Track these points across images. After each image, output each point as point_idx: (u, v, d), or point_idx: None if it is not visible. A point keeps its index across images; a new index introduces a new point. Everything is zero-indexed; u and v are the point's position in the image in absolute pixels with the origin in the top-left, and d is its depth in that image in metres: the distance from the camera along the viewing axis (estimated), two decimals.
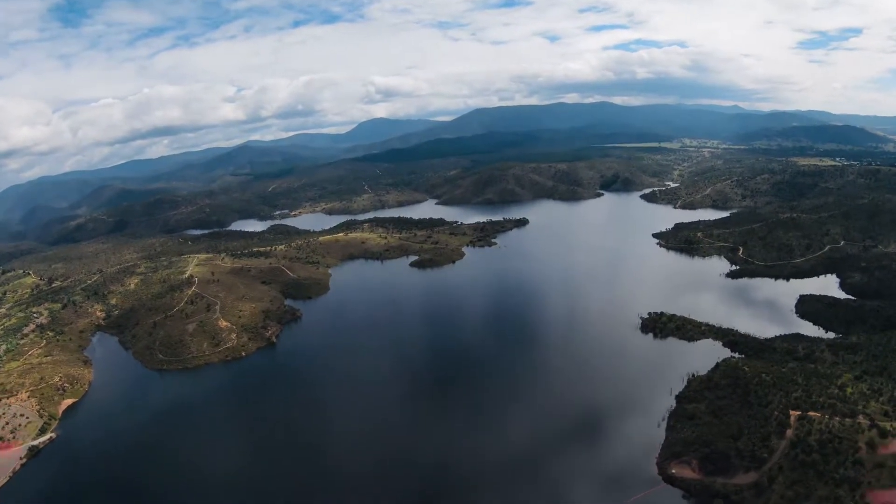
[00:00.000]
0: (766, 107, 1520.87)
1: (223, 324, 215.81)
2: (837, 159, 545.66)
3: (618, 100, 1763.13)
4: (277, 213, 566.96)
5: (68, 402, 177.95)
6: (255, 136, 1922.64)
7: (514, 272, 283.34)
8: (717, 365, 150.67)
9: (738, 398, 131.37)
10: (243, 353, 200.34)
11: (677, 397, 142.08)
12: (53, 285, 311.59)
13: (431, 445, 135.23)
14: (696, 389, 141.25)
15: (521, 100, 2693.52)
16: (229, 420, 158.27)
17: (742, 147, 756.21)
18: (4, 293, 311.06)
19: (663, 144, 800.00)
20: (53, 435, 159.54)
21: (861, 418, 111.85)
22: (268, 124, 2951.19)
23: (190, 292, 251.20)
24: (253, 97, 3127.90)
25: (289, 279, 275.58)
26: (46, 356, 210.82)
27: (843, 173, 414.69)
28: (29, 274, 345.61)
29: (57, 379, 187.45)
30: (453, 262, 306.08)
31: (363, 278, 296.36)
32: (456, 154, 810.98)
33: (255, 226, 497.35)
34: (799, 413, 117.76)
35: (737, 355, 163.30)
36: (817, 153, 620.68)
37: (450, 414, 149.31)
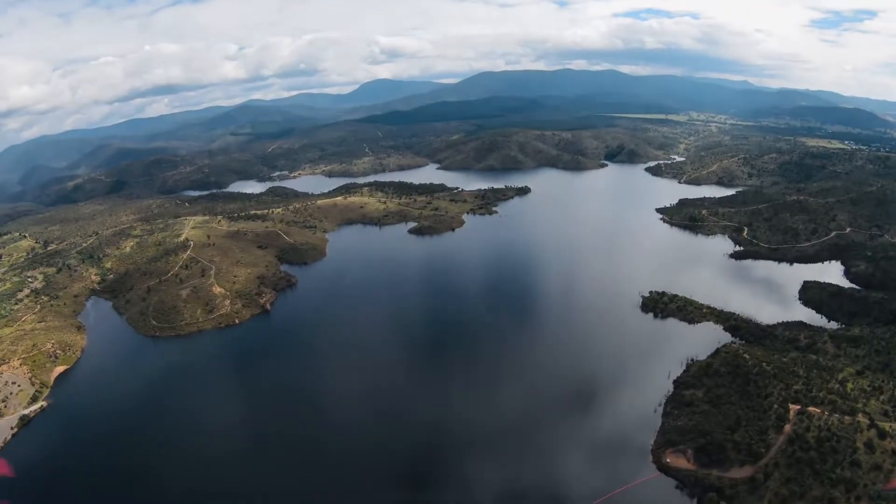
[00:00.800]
0: (775, 84, 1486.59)
1: (217, 290, 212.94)
2: (846, 143, 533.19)
3: (625, 69, 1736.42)
4: (276, 174, 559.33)
5: (60, 369, 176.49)
6: (257, 95, 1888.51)
7: (514, 242, 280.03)
8: (718, 350, 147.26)
9: (737, 387, 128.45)
10: (237, 321, 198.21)
11: (675, 382, 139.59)
12: (49, 248, 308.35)
13: (422, 420, 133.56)
14: (695, 375, 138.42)
15: (527, 64, 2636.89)
16: (220, 389, 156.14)
17: (750, 123, 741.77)
18: (0, 257, 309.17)
19: (670, 117, 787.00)
20: (45, 403, 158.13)
21: (861, 417, 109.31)
22: (269, 83, 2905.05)
23: (185, 256, 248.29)
24: (255, 56, 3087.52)
25: (285, 244, 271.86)
26: (40, 322, 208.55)
27: (851, 158, 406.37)
28: (25, 237, 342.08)
29: (49, 345, 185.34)
30: (453, 229, 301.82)
31: (360, 244, 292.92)
32: (459, 118, 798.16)
33: (253, 187, 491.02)
34: (799, 407, 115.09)
35: (738, 341, 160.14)
36: (826, 135, 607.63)
37: (442, 387, 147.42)
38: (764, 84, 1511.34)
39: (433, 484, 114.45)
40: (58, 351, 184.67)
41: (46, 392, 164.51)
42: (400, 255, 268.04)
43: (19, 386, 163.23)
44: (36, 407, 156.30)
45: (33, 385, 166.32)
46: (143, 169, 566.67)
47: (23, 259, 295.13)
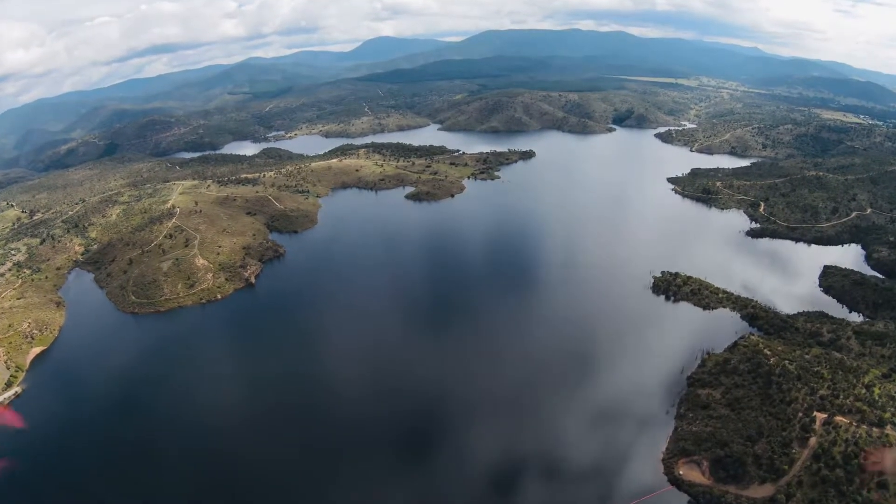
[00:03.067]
0: (786, 52, 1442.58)
1: (200, 262, 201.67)
2: (862, 116, 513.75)
3: (635, 30, 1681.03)
4: (272, 134, 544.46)
5: (36, 350, 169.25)
6: (257, 53, 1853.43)
7: (516, 212, 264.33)
8: (736, 344, 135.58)
9: (758, 389, 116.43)
10: (219, 296, 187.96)
11: (690, 379, 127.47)
12: (35, 218, 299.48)
13: (412, 417, 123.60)
14: (712, 372, 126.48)
15: (533, 24, 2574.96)
16: (198, 372, 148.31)
17: (762, 91, 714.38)
18: None
19: (680, 81, 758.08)
20: (19, 389, 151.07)
21: (889, 429, 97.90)
22: (270, 41, 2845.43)
23: (170, 224, 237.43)
24: (254, 13, 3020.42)
25: (275, 210, 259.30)
26: (19, 298, 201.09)
27: (869, 133, 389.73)
28: (12, 206, 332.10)
29: (26, 325, 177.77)
30: (452, 195, 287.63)
31: (354, 211, 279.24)
32: (462, 77, 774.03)
33: (248, 148, 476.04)
34: (825, 417, 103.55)
35: (756, 332, 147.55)
36: (839, 107, 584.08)
37: (437, 379, 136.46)
38: (775, 52, 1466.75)
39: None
40: (34, 331, 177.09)
41: (21, 376, 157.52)
42: (395, 223, 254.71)
43: None
44: (10, 393, 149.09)
45: (8, 369, 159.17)
46: (137, 131, 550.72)
47: (8, 230, 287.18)
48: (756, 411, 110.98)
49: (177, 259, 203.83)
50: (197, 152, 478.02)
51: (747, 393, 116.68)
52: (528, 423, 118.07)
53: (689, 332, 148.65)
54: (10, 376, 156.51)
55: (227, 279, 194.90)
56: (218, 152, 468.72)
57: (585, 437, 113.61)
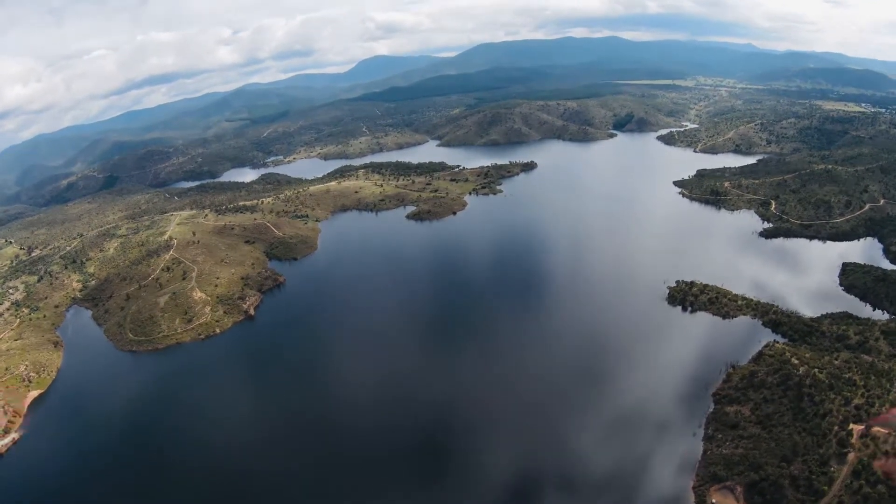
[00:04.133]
0: (780, 46, 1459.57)
1: (198, 295, 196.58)
2: (863, 105, 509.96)
3: (627, 35, 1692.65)
4: (271, 160, 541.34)
5: (34, 393, 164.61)
6: (254, 79, 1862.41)
7: (521, 227, 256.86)
8: (761, 354, 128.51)
9: (789, 403, 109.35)
10: (217, 330, 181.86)
11: (716, 396, 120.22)
12: (33, 255, 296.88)
13: (427, 435, 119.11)
14: (738, 387, 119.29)
15: (527, 34, 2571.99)
16: (198, 413, 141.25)
17: (760, 87, 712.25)
18: None
19: (677, 82, 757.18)
20: (16, 435, 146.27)
21: None
22: (266, 66, 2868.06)
23: (167, 257, 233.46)
24: (249, 39, 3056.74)
25: (274, 238, 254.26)
26: (16, 340, 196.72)
27: (874, 122, 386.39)
28: (10, 243, 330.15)
29: (23, 368, 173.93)
30: (454, 213, 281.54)
31: (354, 234, 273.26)
32: (459, 91, 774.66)
33: (246, 175, 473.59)
34: (862, 428, 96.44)
35: (780, 339, 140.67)
36: (839, 97, 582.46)
37: (448, 404, 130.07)
38: (769, 47, 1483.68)
39: None
40: (31, 374, 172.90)
41: (19, 422, 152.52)
42: (397, 245, 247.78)
43: None
44: (7, 440, 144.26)
45: (6, 414, 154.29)
46: (136, 162, 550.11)
47: (6, 268, 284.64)
48: (789, 428, 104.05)
49: (174, 293, 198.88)
50: (196, 181, 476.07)
51: (778, 408, 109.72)
52: (547, 449, 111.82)
53: (710, 345, 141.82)
54: (8, 422, 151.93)
55: (225, 312, 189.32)
56: (216, 180, 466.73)
57: (608, 462, 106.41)
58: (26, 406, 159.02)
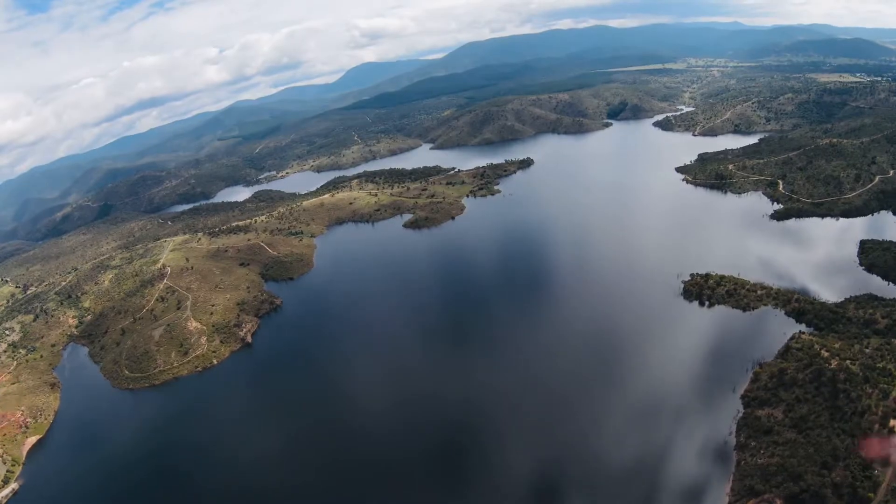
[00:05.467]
0: (767, 22, 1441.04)
1: (193, 325, 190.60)
2: (859, 75, 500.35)
3: (613, 23, 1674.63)
4: (264, 176, 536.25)
5: (32, 440, 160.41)
6: (245, 96, 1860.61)
7: (523, 227, 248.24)
8: (788, 348, 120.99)
9: (823, 401, 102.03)
10: (214, 361, 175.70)
11: (745, 398, 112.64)
12: (29, 292, 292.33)
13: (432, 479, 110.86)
14: (768, 387, 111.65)
15: (512, 30, 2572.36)
16: (200, 451, 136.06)
17: (752, 64, 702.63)
18: None
19: (667, 66, 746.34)
20: (16, 486, 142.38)
21: None
22: (255, 82, 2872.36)
23: (161, 286, 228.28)
24: (236, 56, 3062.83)
25: (268, 258, 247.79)
26: (13, 383, 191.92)
27: (872, 91, 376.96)
28: (6, 282, 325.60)
29: (19, 414, 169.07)
30: (453, 217, 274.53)
31: (351, 247, 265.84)
32: (449, 93, 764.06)
33: (240, 193, 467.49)
34: None
35: (805, 328, 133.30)
36: (832, 68, 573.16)
37: (459, 423, 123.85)
38: (756, 23, 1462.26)
39: None
40: (28, 419, 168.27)
41: (19, 470, 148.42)
42: (395, 256, 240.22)
43: None
44: (7, 491, 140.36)
45: (4, 464, 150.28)
46: (129, 189, 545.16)
47: (2, 308, 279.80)
48: (826, 429, 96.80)
49: (169, 325, 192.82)
50: (190, 203, 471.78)
51: (813, 408, 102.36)
52: (569, 463, 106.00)
53: (732, 341, 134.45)
54: (7, 472, 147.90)
55: (222, 341, 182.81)
56: (210, 201, 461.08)
57: (634, 475, 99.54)
58: (25, 454, 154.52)
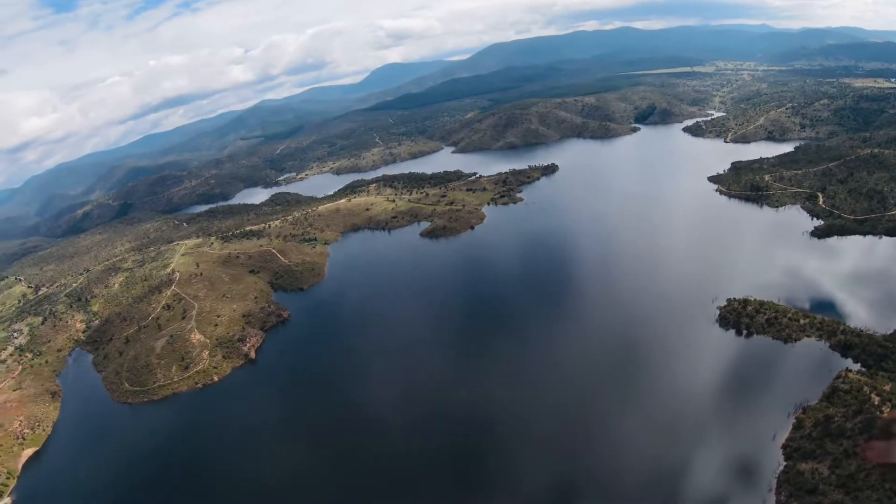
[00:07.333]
0: (795, 24, 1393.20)
1: (196, 338, 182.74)
2: (894, 80, 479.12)
3: (639, 24, 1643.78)
4: (283, 177, 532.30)
5: (29, 451, 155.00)
6: (270, 96, 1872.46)
7: (545, 238, 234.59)
8: (835, 389, 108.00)
9: None
10: (215, 378, 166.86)
11: (786, 449, 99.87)
12: (40, 293, 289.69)
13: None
14: (812, 436, 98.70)
15: (537, 31, 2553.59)
16: (193, 475, 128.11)
17: (783, 68, 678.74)
18: None
19: (696, 69, 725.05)
20: (9, 500, 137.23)
21: None
22: (280, 82, 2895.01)
23: (169, 293, 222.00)
24: (261, 56, 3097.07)
25: (279, 266, 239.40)
26: (15, 389, 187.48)
27: None
28: (20, 281, 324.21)
29: (17, 424, 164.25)
30: (472, 227, 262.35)
31: (364, 257, 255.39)
32: (473, 95, 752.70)
33: (258, 195, 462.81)
34: None
35: (852, 366, 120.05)
36: (866, 73, 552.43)
37: (477, 458, 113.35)
38: (784, 26, 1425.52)
39: None
40: (25, 430, 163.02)
41: (13, 484, 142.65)
42: (409, 267, 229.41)
43: None
44: None
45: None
46: (148, 188, 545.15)
47: (13, 308, 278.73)
48: (878, 491, 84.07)
49: (171, 336, 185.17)
50: (208, 204, 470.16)
51: (862, 464, 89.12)
52: None
53: (773, 378, 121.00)
54: (1, 485, 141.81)
55: (224, 356, 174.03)
56: (227, 203, 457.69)
57: None
58: (21, 466, 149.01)
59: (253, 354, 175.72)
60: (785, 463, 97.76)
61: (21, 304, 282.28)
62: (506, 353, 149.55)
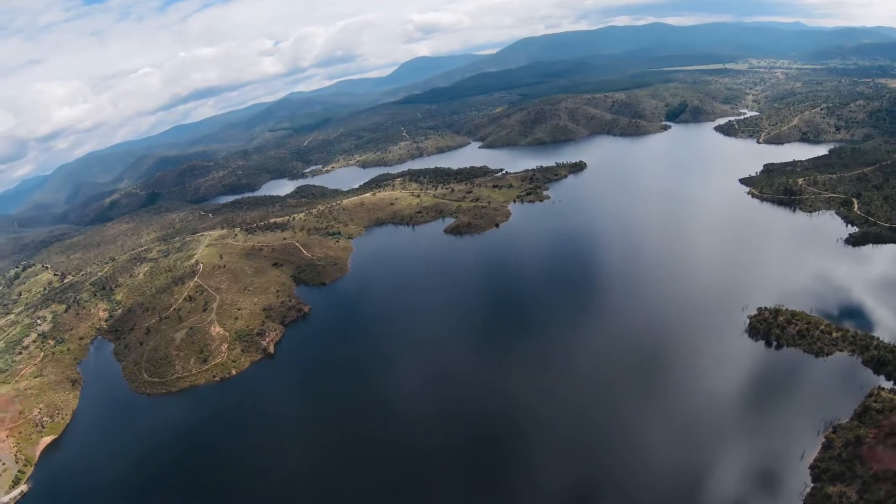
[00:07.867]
0: (829, 23, 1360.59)
1: (216, 330, 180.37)
2: None
3: (671, 20, 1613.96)
4: (309, 169, 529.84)
5: (47, 439, 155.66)
6: (299, 88, 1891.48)
7: (571, 238, 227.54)
8: (866, 407, 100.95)
9: None
10: (233, 371, 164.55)
11: (814, 470, 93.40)
12: (65, 281, 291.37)
13: None
14: (842, 457, 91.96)
15: (568, 26, 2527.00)
16: (207, 467, 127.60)
17: (817, 66, 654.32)
18: (20, 294, 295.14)
19: (728, 66, 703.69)
20: (25, 488, 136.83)
21: None
22: (309, 74, 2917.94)
23: (191, 284, 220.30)
24: (291, 48, 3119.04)
25: (302, 260, 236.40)
26: (37, 376, 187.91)
27: None
28: (46, 269, 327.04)
29: (36, 412, 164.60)
30: (497, 225, 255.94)
31: (387, 252, 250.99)
32: (501, 89, 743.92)
33: (284, 187, 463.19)
34: None
35: (885, 383, 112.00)
36: None
37: (501, 468, 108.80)
38: (818, 24, 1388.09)
39: None
40: (45, 418, 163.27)
41: (30, 471, 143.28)
42: (432, 263, 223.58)
43: (4, 464, 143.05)
44: (16, 493, 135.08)
45: (17, 462, 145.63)
46: (176, 178, 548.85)
47: (39, 296, 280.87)
48: None
49: (192, 328, 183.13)
50: (234, 195, 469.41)
51: (894, 491, 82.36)
52: None
53: (802, 393, 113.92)
54: (18, 472, 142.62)
55: (243, 350, 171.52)
56: (254, 194, 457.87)
57: None
58: (38, 453, 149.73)
59: (272, 349, 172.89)
60: (812, 485, 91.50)
61: (46, 291, 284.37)
62: (527, 354, 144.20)
